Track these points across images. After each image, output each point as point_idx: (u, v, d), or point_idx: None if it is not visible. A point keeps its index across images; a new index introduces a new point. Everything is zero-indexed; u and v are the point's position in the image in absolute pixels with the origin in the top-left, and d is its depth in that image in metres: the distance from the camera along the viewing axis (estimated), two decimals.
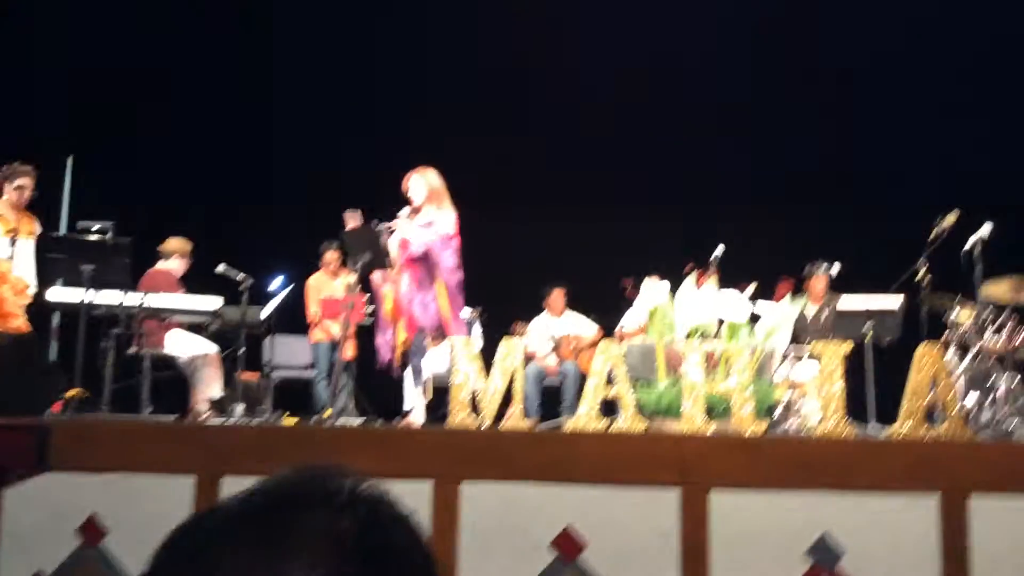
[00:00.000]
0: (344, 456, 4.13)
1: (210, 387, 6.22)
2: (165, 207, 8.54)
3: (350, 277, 5.91)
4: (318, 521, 0.73)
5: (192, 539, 0.75)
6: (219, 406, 6.21)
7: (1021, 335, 5.89)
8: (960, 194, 6.50)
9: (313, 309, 7.64)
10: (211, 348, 6.37)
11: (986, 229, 5.84)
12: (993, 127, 8.27)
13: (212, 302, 6.16)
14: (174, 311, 6.14)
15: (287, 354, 7.84)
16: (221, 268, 6.65)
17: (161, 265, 6.65)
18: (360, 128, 8.95)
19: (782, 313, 5.04)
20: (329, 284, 7.74)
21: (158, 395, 6.02)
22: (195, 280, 6.75)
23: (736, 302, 4.89)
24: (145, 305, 5.80)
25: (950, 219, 6.12)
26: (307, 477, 0.78)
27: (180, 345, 6.31)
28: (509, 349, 4.62)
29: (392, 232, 5.79)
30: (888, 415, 4.64)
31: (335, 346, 7.15)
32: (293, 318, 7.54)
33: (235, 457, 4.10)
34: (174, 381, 6.31)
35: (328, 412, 5.57)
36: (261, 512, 0.74)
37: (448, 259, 5.77)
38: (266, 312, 6.76)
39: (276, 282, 7.23)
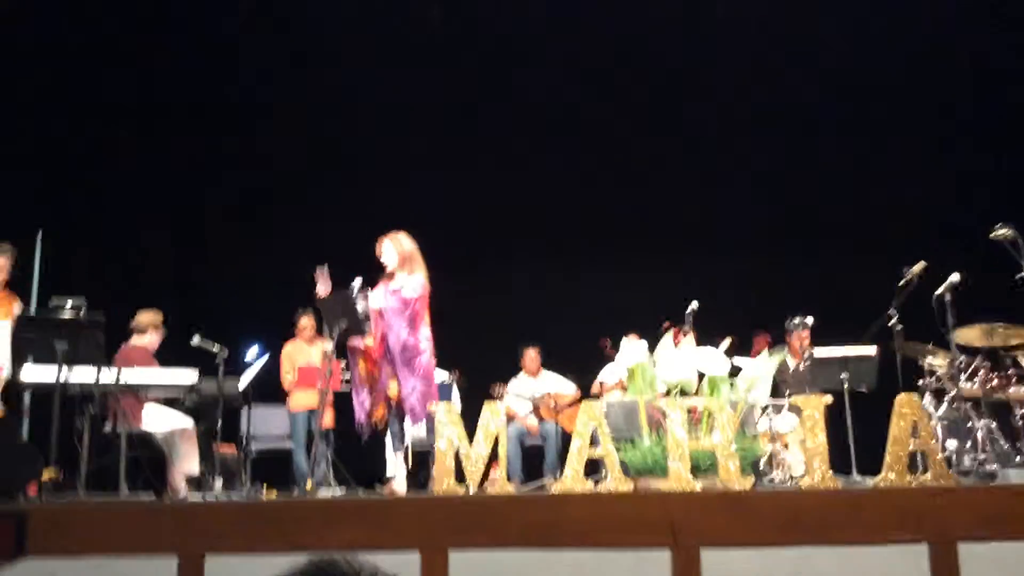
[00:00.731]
0: (328, 530, 4.07)
1: (188, 462, 6.12)
2: (136, 278, 8.49)
3: (326, 344, 5.89)
4: None
5: None
6: (197, 482, 6.10)
7: (994, 379, 5.97)
8: (926, 245, 6.64)
9: (289, 377, 7.58)
10: (188, 423, 6.28)
11: (955, 277, 5.95)
12: (952, 179, 8.48)
13: (188, 376, 6.09)
14: (150, 386, 6.05)
15: (265, 425, 7.75)
16: (196, 340, 6.58)
17: (136, 341, 6.58)
18: (330, 192, 8.98)
19: (761, 367, 5.07)
20: (305, 351, 7.68)
21: (135, 473, 5.90)
22: (168, 352, 6.68)
23: (715, 357, 4.91)
24: (121, 381, 5.72)
25: (917, 268, 6.24)
26: (327, 567, 0.78)
27: (156, 421, 6.22)
28: (492, 412, 4.60)
29: (366, 297, 5.78)
30: (868, 465, 4.66)
31: (313, 414, 7.09)
32: (270, 388, 7.46)
33: (218, 535, 4.02)
34: (151, 458, 6.20)
35: (309, 483, 5.49)
36: None
37: (403, 324, 5.72)
38: (243, 383, 6.69)
39: (252, 351, 7.17)
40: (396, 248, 5.87)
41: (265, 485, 6.48)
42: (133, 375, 5.87)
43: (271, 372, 7.36)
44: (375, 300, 5.84)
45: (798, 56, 8.65)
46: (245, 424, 7.29)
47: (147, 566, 3.95)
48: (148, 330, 6.58)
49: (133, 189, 9.07)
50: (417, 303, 5.76)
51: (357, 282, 5.76)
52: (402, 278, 5.84)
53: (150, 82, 8.95)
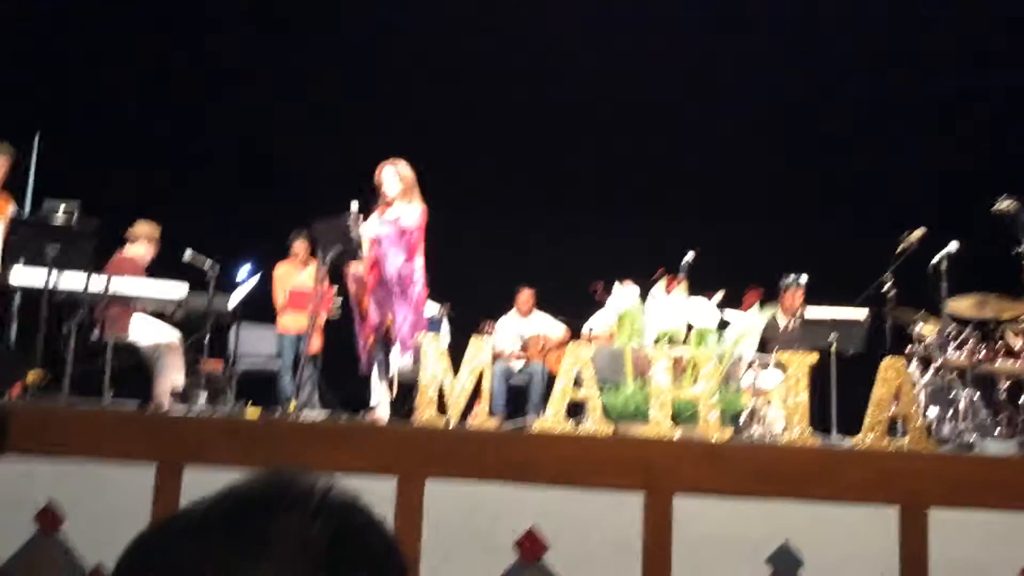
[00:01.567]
0: (308, 450, 4.10)
1: (173, 375, 6.13)
2: (133, 190, 8.43)
3: (319, 268, 5.87)
4: (288, 527, 0.72)
5: (159, 542, 0.74)
6: (182, 395, 6.12)
7: (982, 351, 5.99)
8: (927, 212, 6.60)
9: (280, 299, 7.57)
10: (175, 336, 6.29)
11: (953, 246, 5.93)
12: (962, 146, 8.40)
13: (178, 289, 6.08)
14: (139, 297, 6.04)
15: (252, 344, 7.75)
16: (188, 255, 6.56)
17: (128, 250, 6.55)
18: (328, 121, 8.87)
19: (750, 321, 5.08)
20: (297, 274, 7.67)
21: (120, 382, 5.92)
22: (161, 266, 6.66)
23: (705, 309, 4.91)
24: (109, 290, 5.71)
25: (916, 235, 6.21)
26: (277, 481, 0.76)
27: (144, 332, 6.22)
28: (478, 348, 4.61)
29: (359, 223, 5.73)
30: (851, 426, 4.69)
31: (301, 338, 7.09)
32: (260, 307, 7.45)
33: (197, 447, 4.06)
34: (136, 368, 6.22)
35: (292, 404, 5.52)
36: (230, 517, 0.73)
37: (399, 253, 5.70)
38: (233, 301, 6.68)
39: (244, 270, 7.15)
40: (398, 174, 5.81)
41: (249, 403, 6.51)
42: (122, 284, 5.85)
43: (263, 292, 7.35)
44: (370, 228, 5.80)
45: (801, 19, 8.49)
46: (233, 342, 7.30)
47: (126, 473, 3.99)
48: (141, 240, 6.55)
49: (139, 99, 8.98)
50: (415, 233, 5.72)
51: (354, 206, 5.70)
52: (400, 207, 5.79)
53: None
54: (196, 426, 4.35)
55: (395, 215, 5.77)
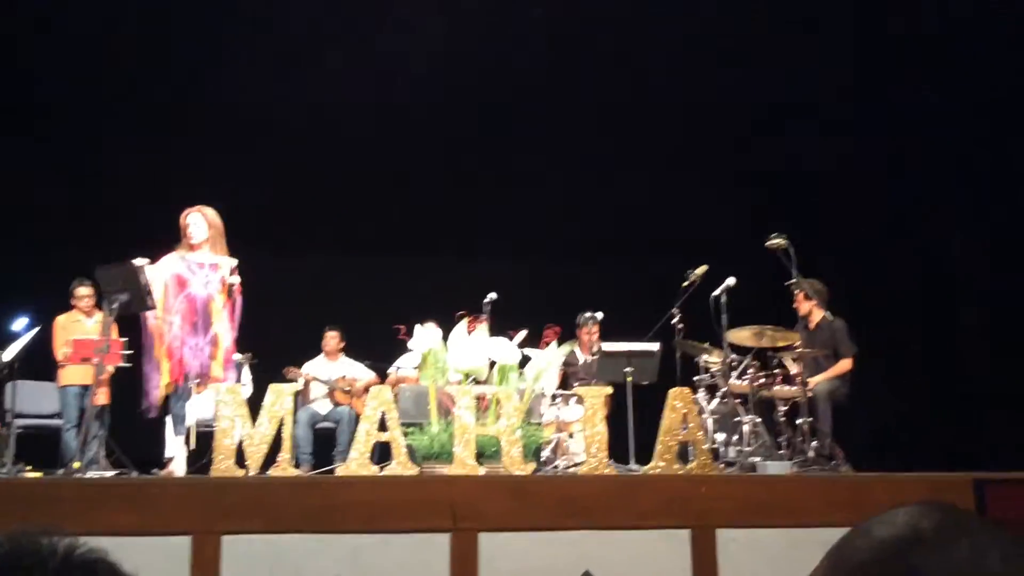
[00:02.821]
0: (93, 512, 3.85)
1: None
2: None
3: (106, 317, 5.56)
4: None
5: None
6: None
7: (761, 378, 6.44)
8: (707, 251, 7.06)
9: (62, 351, 7.07)
10: None
11: (731, 281, 6.37)
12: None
13: None
14: None
15: (32, 401, 7.19)
16: None
17: None
18: (120, 158, 8.44)
19: (549, 357, 5.23)
20: (81, 324, 7.20)
21: None
22: None
23: (506, 347, 5.02)
24: None
25: (699, 271, 6.63)
26: (15, 543, 0.73)
27: None
28: (278, 395, 4.50)
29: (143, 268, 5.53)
30: (647, 456, 4.91)
31: (86, 392, 6.65)
32: (38, 363, 6.94)
33: None
34: None
35: (77, 464, 5.16)
36: None
37: (239, 308, 5.69)
38: (9, 354, 6.20)
39: (20, 323, 6.65)
40: (207, 221, 5.76)
41: (30, 466, 6.03)
42: None
43: (42, 344, 6.85)
44: (169, 268, 5.63)
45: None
46: (10, 399, 6.75)
47: None
48: None
49: None
50: (235, 284, 5.68)
51: (142, 261, 5.52)
52: (208, 255, 5.68)
53: None
54: None
55: (208, 260, 5.65)
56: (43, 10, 7.83)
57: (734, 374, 6.44)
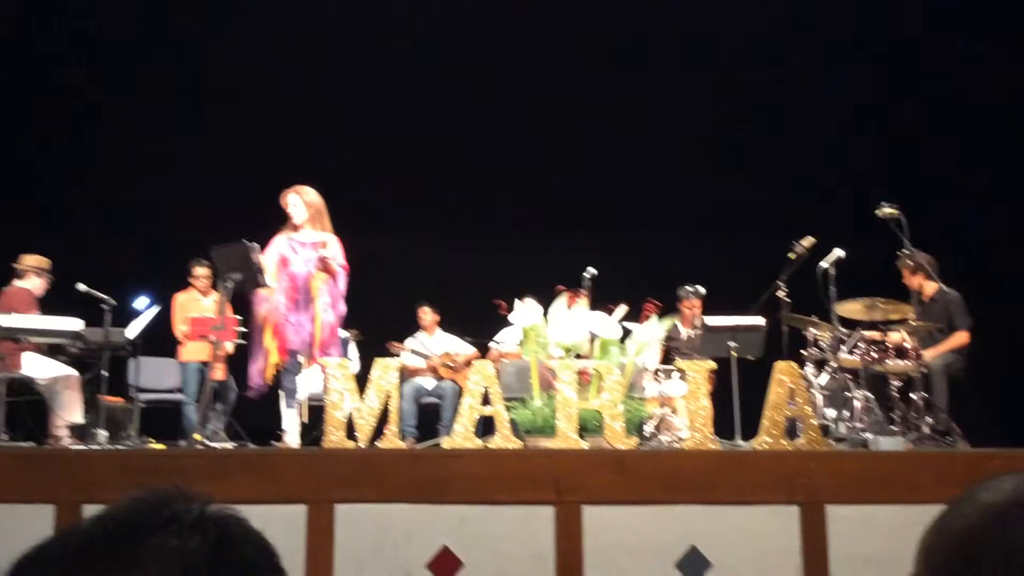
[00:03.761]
0: (214, 481, 4.02)
1: (71, 412, 5.94)
2: (24, 223, 8.14)
3: (221, 295, 5.79)
4: (167, 543, 0.73)
5: (37, 567, 0.74)
6: (80, 432, 5.93)
7: (873, 352, 6.24)
8: (817, 219, 6.86)
9: (181, 328, 7.40)
10: (71, 371, 6.09)
11: (839, 252, 6.19)
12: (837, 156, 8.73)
13: (73, 323, 5.90)
14: (32, 331, 5.84)
15: (154, 377, 7.56)
16: (83, 287, 6.37)
17: (16, 283, 6.32)
18: (228, 145, 8.73)
19: (651, 331, 5.19)
20: (199, 302, 7.51)
21: (14, 421, 5.71)
22: (54, 301, 6.46)
23: (606, 322, 5.01)
24: (1, 325, 5.50)
25: (806, 243, 6.45)
26: (154, 500, 0.78)
27: (38, 368, 6.01)
28: (384, 369, 4.60)
29: (260, 249, 5.72)
30: (752, 431, 4.84)
31: (205, 367, 6.95)
32: (160, 340, 7.28)
33: (97, 485, 3.94)
34: (32, 406, 6.00)
35: (198, 437, 5.40)
36: (108, 537, 0.74)
37: (342, 283, 5.83)
38: (132, 332, 6.51)
39: (142, 302, 6.98)
40: (303, 202, 5.86)
41: (153, 439, 6.34)
42: (13, 320, 5.66)
43: (162, 324, 7.18)
44: (278, 249, 5.81)
45: (672, 30, 8.70)
46: (133, 375, 7.10)
47: (23, 513, 3.85)
48: (29, 273, 6.34)
49: (27, 132, 8.68)
50: (336, 259, 5.82)
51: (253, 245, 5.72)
52: (311, 233, 5.82)
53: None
54: (95, 463, 4.22)
55: (310, 239, 5.79)
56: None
57: (844, 348, 6.27)
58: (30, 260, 6.43)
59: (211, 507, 0.77)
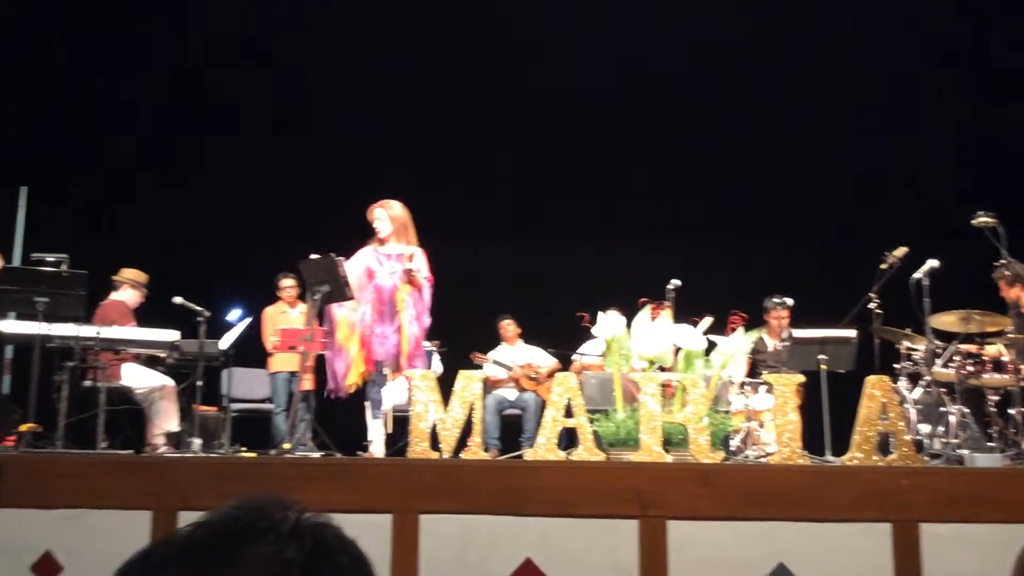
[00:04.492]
0: (303, 489, 4.11)
1: (167, 421, 6.15)
2: (121, 239, 8.47)
3: (309, 307, 5.92)
4: (264, 549, 0.75)
5: (140, 571, 0.77)
6: (176, 440, 6.13)
7: (969, 365, 6.02)
8: (908, 229, 6.67)
9: (271, 339, 7.59)
10: (168, 381, 6.30)
11: (933, 262, 5.98)
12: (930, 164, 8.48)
13: (169, 334, 6.11)
14: (131, 343, 6.06)
15: (245, 387, 7.77)
16: (178, 300, 6.59)
17: (113, 296, 6.58)
18: (315, 160, 8.94)
19: (737, 344, 5.11)
20: (286, 314, 7.70)
21: (113, 429, 5.93)
22: (150, 313, 6.70)
23: (691, 334, 4.95)
24: (101, 337, 5.73)
25: (898, 253, 6.26)
26: (252, 508, 0.80)
27: (136, 378, 6.24)
28: (468, 380, 4.64)
29: (345, 261, 5.82)
30: (844, 447, 4.72)
31: (293, 378, 7.11)
32: (250, 351, 7.48)
33: (192, 491, 4.07)
34: (130, 415, 6.23)
35: (287, 445, 5.53)
36: (207, 543, 0.77)
37: (427, 295, 5.91)
38: (226, 343, 6.70)
39: (234, 314, 7.18)
40: (389, 216, 5.95)
41: (244, 447, 6.51)
42: (113, 331, 5.88)
43: (253, 334, 7.38)
44: (363, 262, 5.91)
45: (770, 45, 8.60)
46: (226, 385, 7.31)
47: (122, 519, 4.00)
48: (125, 286, 6.59)
49: (122, 148, 9.03)
50: (421, 272, 5.90)
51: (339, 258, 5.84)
52: (397, 246, 5.91)
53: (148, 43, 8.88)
54: (191, 470, 4.36)
55: (396, 252, 5.89)
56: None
57: (939, 361, 6.07)
58: (128, 273, 6.68)
59: (307, 515, 0.80)
